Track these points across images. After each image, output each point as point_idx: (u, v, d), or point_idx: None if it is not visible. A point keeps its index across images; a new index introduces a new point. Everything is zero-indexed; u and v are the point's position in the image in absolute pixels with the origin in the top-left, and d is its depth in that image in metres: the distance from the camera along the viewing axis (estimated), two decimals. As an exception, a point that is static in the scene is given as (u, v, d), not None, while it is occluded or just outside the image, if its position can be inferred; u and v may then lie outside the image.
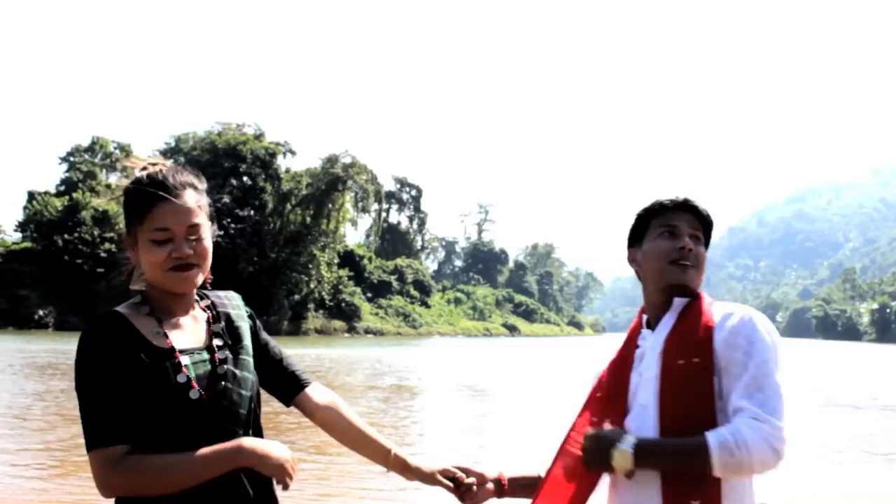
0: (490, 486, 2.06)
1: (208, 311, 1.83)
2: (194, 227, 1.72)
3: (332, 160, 65.29)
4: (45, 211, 53.73)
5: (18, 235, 55.56)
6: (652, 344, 1.87)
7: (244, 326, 1.86)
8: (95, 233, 53.21)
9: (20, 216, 56.32)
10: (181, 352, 1.71)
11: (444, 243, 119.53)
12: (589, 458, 1.77)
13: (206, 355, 1.75)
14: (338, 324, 63.03)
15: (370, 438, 1.95)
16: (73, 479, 7.31)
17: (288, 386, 1.93)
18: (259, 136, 64.43)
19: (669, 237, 1.89)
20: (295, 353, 20.46)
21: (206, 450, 1.64)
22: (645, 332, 1.93)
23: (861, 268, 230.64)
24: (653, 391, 1.80)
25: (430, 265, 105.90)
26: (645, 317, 1.96)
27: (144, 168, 1.77)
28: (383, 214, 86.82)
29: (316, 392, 1.94)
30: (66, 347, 28.95)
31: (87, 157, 65.40)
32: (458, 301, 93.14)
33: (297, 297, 58.62)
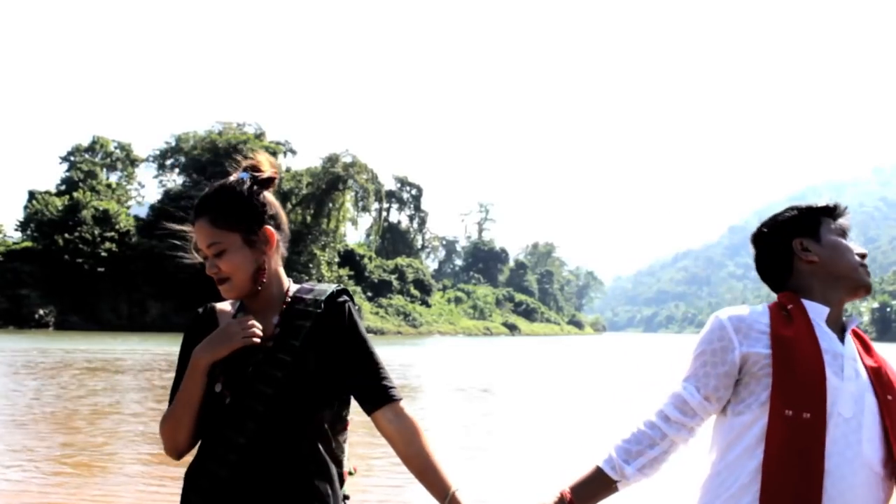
0: None
1: (281, 310, 1.88)
2: (212, 246, 1.85)
3: (332, 159, 65.34)
4: (46, 210, 53.73)
5: (19, 235, 55.59)
6: (847, 356, 1.79)
7: (304, 325, 1.85)
8: (96, 232, 53.22)
9: (21, 216, 56.39)
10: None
11: (444, 242, 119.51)
12: None
13: (254, 351, 1.83)
14: (338, 323, 63.00)
15: (432, 474, 1.84)
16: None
17: (367, 399, 1.87)
18: (260, 136, 64.46)
19: (845, 240, 1.90)
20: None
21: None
22: (829, 332, 1.81)
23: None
24: (853, 406, 1.74)
25: (430, 264, 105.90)
26: (824, 310, 1.83)
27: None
28: (384, 214, 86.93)
29: (393, 414, 1.86)
30: (45, 346, 28.87)
31: (87, 156, 65.41)
32: (458, 300, 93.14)
33: (297, 296, 58.62)
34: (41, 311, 48.99)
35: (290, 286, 1.93)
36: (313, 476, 1.80)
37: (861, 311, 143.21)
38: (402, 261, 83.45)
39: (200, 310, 1.96)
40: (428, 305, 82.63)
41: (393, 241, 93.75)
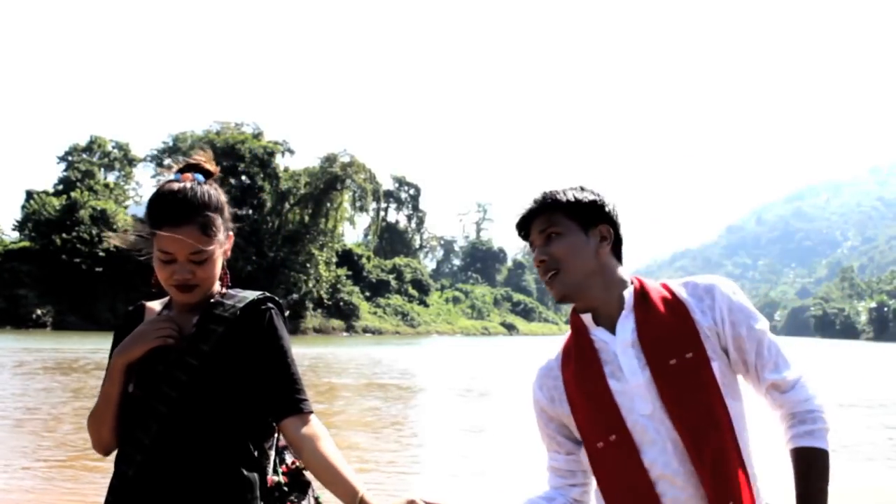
0: None
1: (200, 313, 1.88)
2: (197, 253, 1.80)
3: (330, 159, 65.22)
4: (44, 210, 53.62)
5: (16, 235, 55.47)
6: (622, 348, 1.72)
7: (217, 330, 1.84)
8: (94, 232, 53.10)
9: (18, 215, 56.27)
10: (156, 347, 1.84)
11: (442, 242, 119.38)
12: None
13: (168, 352, 1.83)
14: (336, 323, 62.98)
15: (339, 479, 1.79)
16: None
17: (275, 407, 1.86)
18: (257, 135, 64.34)
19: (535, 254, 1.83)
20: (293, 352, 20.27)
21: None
22: (597, 331, 1.77)
23: (859, 266, 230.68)
24: (650, 399, 1.67)
25: (428, 264, 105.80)
26: (587, 315, 1.80)
27: (181, 168, 1.89)
28: (381, 213, 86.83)
29: (300, 424, 1.83)
30: (12, 345, 28.79)
31: (85, 156, 65.24)
32: (456, 300, 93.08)
33: (295, 296, 58.60)
34: (39, 311, 48.89)
35: (220, 289, 1.93)
36: (218, 480, 1.79)
37: (859, 310, 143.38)
38: (400, 260, 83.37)
39: (131, 308, 1.98)
40: (426, 305, 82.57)
41: (391, 240, 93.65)
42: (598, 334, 1.77)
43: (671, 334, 1.69)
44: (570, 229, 1.78)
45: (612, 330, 1.76)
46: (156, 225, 1.80)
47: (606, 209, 1.82)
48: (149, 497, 1.76)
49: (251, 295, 1.90)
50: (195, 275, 1.81)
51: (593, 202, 1.80)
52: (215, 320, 1.85)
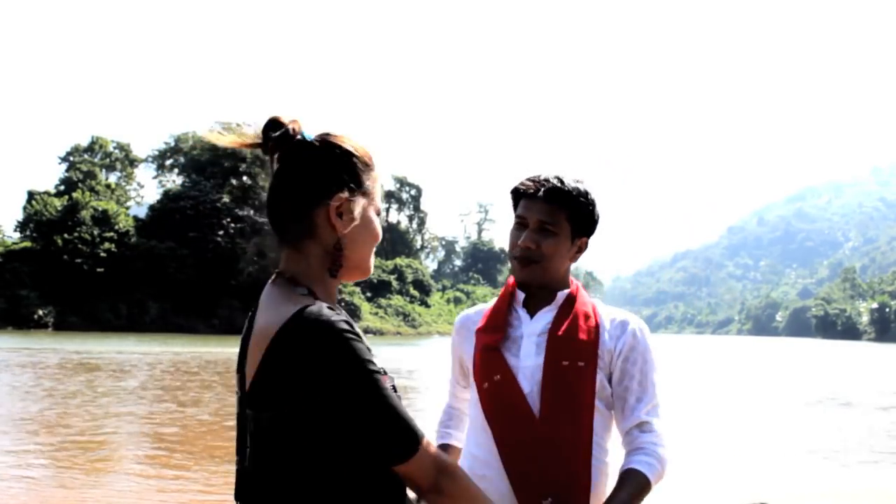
0: None
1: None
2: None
3: (331, 159, 65.25)
4: (45, 211, 53.66)
5: (18, 235, 55.51)
6: (529, 332, 1.90)
7: None
8: (95, 232, 53.17)
9: (20, 216, 56.29)
10: None
11: (443, 243, 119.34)
12: None
13: None
14: (337, 323, 62.98)
15: None
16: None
17: None
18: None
19: (518, 229, 1.94)
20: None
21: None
22: (520, 310, 1.94)
23: (861, 267, 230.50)
24: (533, 381, 1.85)
25: (429, 265, 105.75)
26: (521, 294, 1.95)
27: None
28: (383, 214, 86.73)
29: None
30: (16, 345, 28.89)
31: (86, 156, 65.35)
32: (457, 300, 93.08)
33: (296, 296, 58.55)
34: (40, 312, 48.91)
35: None
36: None
37: (860, 311, 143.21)
38: (401, 261, 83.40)
39: (346, 317, 1.45)
40: (427, 306, 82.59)
41: (392, 241, 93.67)
42: (520, 312, 1.93)
43: (575, 341, 1.86)
44: (564, 233, 1.91)
45: (532, 315, 1.93)
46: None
47: (596, 221, 1.98)
48: None
49: None
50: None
51: (592, 213, 1.95)
52: None
